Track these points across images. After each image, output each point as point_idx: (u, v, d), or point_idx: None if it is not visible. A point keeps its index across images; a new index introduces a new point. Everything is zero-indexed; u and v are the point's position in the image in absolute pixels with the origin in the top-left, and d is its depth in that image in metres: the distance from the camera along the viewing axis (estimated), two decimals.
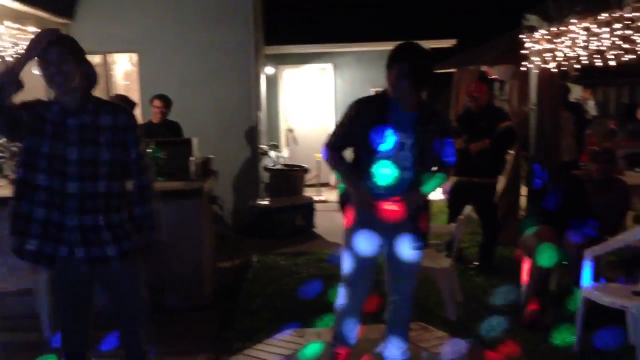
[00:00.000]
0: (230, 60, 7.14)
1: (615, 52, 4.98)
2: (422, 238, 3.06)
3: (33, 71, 2.47)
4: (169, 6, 7.08)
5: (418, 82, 2.88)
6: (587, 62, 5.30)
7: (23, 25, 5.37)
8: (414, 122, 2.92)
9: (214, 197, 5.79)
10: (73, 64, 2.43)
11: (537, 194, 5.17)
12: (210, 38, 7.07)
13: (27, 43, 2.36)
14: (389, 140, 2.89)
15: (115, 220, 2.54)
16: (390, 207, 2.94)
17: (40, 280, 3.81)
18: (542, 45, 5.55)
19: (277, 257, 6.04)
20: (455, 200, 5.53)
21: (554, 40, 5.35)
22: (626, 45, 4.82)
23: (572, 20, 5.00)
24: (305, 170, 8.28)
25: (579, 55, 5.25)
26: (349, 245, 3.04)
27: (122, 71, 7.74)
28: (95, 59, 2.38)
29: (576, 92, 10.21)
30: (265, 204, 7.22)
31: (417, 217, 3.02)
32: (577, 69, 5.75)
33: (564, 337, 3.85)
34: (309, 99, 11.15)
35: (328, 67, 11.02)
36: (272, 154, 8.95)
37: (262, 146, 8.34)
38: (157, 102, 5.95)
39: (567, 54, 5.31)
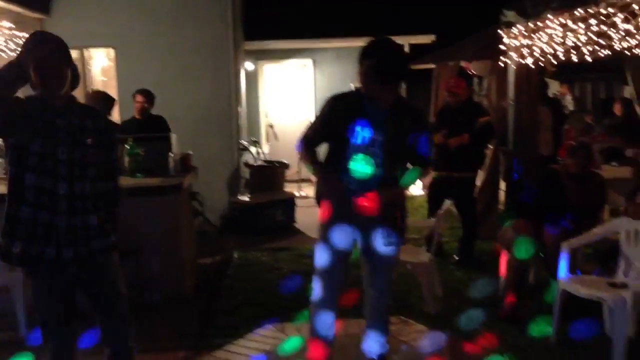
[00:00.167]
0: (209, 55, 7.09)
1: (591, 48, 5.04)
2: (398, 233, 3.06)
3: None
4: (147, 1, 7.01)
5: (388, 78, 2.89)
6: (563, 57, 5.36)
7: None
8: (386, 118, 2.92)
9: (194, 193, 5.77)
10: (66, 66, 2.45)
11: (516, 188, 5.23)
12: (188, 33, 7.01)
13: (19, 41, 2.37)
14: (361, 136, 2.90)
15: (98, 220, 2.57)
16: (364, 202, 2.93)
17: (16, 278, 3.76)
18: (519, 40, 5.61)
19: (258, 253, 6.03)
20: (434, 195, 5.56)
21: (531, 36, 5.41)
22: (602, 41, 4.88)
23: (548, 16, 5.05)
24: (285, 166, 8.27)
25: (555, 51, 5.30)
26: (323, 239, 3.03)
27: (99, 67, 7.66)
28: (72, 55, 2.40)
29: (554, 88, 10.32)
30: (245, 200, 7.20)
31: (392, 212, 3.02)
32: (554, 65, 5.81)
33: (542, 328, 3.89)
34: (289, 94, 11.14)
35: (308, 62, 11.02)
36: (253, 149, 8.92)
37: (242, 142, 8.31)
38: (139, 97, 5.89)
39: (544, 50, 5.36)
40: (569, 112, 9.71)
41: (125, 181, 4.33)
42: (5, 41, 5.26)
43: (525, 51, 5.56)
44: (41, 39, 2.43)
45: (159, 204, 4.40)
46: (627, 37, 4.60)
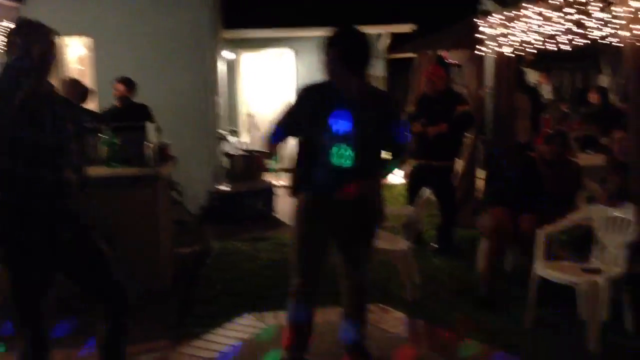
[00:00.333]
0: (187, 44, 7.02)
1: (568, 37, 5.09)
2: (373, 223, 3.05)
3: None
4: None
5: (354, 67, 2.86)
6: (541, 46, 5.40)
7: None
8: (357, 107, 2.88)
9: (173, 183, 5.73)
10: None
11: (494, 176, 5.26)
12: (166, 22, 6.93)
13: None
14: (333, 128, 2.86)
15: (75, 205, 2.60)
16: (341, 193, 2.89)
17: None
18: (497, 29, 5.63)
19: (238, 243, 6.02)
20: (414, 184, 5.59)
21: (509, 25, 5.43)
22: (578, 30, 4.92)
23: (525, 5, 5.08)
24: (266, 156, 8.23)
25: (532, 40, 5.34)
26: (299, 228, 3.02)
27: (76, 55, 7.55)
28: None
29: (532, 77, 10.40)
30: (225, 190, 7.17)
31: (367, 202, 3.01)
32: (532, 54, 5.85)
33: (518, 314, 3.95)
34: (269, 84, 11.07)
35: (288, 52, 10.95)
36: (232, 139, 8.88)
37: (221, 131, 8.26)
38: (118, 86, 5.82)
39: (521, 39, 5.39)
40: (547, 101, 9.80)
41: (101, 171, 4.30)
42: None
43: (502, 40, 5.59)
44: (44, 29, 2.52)
45: (136, 194, 4.37)
46: (602, 27, 4.65)
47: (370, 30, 11.52)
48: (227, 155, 8.07)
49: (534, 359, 3.44)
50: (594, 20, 4.53)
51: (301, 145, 3.04)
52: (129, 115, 5.54)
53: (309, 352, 3.19)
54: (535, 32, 5.20)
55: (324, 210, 2.98)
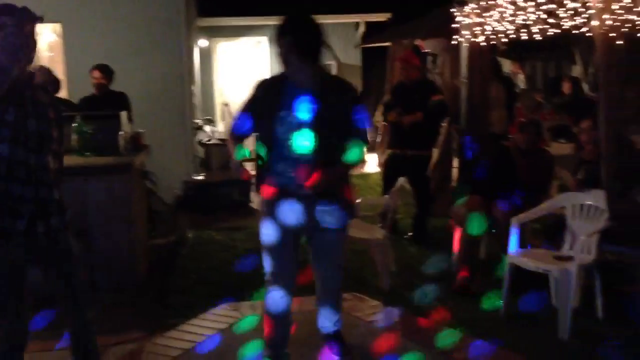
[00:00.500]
0: (161, 32, 6.92)
1: (540, 27, 5.13)
2: (344, 212, 3.03)
3: None
4: None
5: (306, 56, 2.81)
6: (514, 35, 5.44)
7: None
8: (314, 96, 2.81)
9: (147, 172, 5.66)
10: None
11: (468, 165, 5.32)
12: (139, 9, 6.82)
13: None
14: (293, 118, 2.81)
15: (59, 195, 2.59)
16: (306, 184, 2.80)
17: None
18: (472, 19, 5.65)
19: (213, 233, 5.98)
20: (389, 173, 5.61)
21: (483, 14, 5.46)
22: (551, 20, 4.97)
23: None
24: None
25: (506, 29, 5.38)
26: (268, 215, 2.97)
27: (45, 42, 7.38)
28: None
29: (506, 67, 10.48)
30: (200, 179, 7.12)
31: (336, 192, 2.95)
32: (505, 43, 5.89)
33: (492, 302, 3.99)
34: (244, 72, 10.99)
35: (263, 40, 10.87)
36: (207, 128, 8.80)
37: (196, 120, 8.18)
38: (95, 73, 5.70)
39: (495, 28, 5.42)
40: (520, 91, 9.90)
41: (73, 160, 4.22)
42: None
43: (477, 29, 5.62)
44: (29, 14, 2.43)
45: (109, 184, 4.30)
46: (574, 17, 4.70)
47: (346, 19, 11.54)
48: (202, 144, 8.00)
49: (507, 345, 3.48)
50: (566, 10, 4.58)
51: (261, 138, 2.99)
52: (107, 103, 5.42)
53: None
54: (509, 21, 5.23)
55: (291, 198, 2.92)
